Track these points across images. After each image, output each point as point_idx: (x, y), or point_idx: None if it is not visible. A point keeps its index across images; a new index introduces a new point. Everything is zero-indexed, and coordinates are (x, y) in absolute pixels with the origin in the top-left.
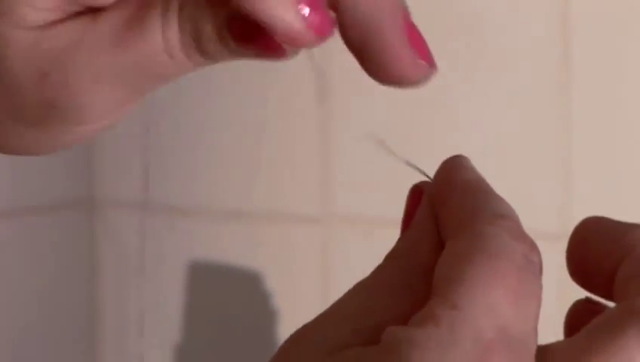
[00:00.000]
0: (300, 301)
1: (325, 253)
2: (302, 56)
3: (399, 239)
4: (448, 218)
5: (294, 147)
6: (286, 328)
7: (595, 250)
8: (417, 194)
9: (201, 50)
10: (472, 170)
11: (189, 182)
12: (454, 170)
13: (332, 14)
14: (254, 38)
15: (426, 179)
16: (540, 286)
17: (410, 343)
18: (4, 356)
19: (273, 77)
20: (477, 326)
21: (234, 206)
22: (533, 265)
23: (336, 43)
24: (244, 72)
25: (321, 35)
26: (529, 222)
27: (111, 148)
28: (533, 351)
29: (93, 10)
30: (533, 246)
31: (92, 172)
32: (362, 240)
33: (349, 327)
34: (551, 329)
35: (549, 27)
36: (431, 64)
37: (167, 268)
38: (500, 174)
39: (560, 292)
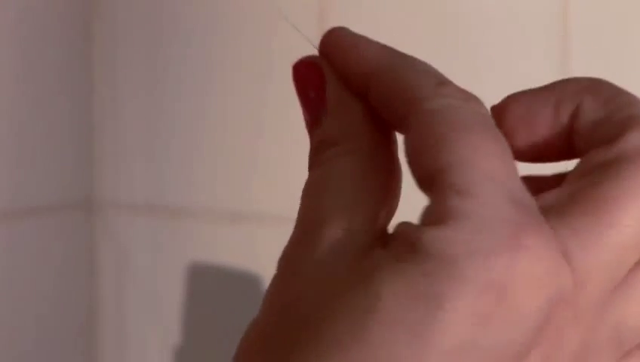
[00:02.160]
0: None
1: None
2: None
3: (323, 125)
4: (385, 99)
5: (293, 149)
6: None
7: (528, 103)
8: (314, 69)
9: None
10: (367, 40)
11: (188, 184)
12: (350, 46)
13: None
14: None
15: (314, 52)
16: None
17: (448, 242)
18: (4, 357)
19: (272, 80)
20: (495, 205)
21: (233, 208)
22: (491, 118)
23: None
24: (244, 74)
25: None
26: None
27: (110, 150)
28: (537, 208)
29: None
30: (477, 99)
31: (91, 173)
32: None
33: (340, 227)
34: None
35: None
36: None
37: (167, 270)
38: None
39: None
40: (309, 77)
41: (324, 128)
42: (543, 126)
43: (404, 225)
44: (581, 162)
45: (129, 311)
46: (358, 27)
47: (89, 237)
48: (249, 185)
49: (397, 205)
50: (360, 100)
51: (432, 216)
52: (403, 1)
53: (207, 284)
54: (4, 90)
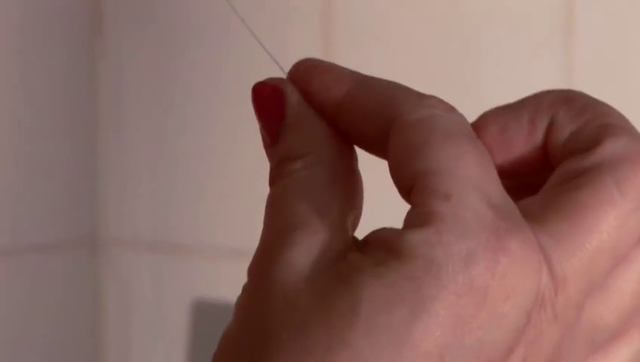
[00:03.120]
0: None
1: None
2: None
3: (284, 140)
4: (361, 117)
5: None
6: None
7: (503, 117)
8: (275, 90)
9: None
10: (340, 67)
11: (191, 221)
12: (323, 71)
13: None
14: None
15: (282, 75)
16: None
17: (429, 244)
18: None
19: None
20: (476, 208)
21: (237, 245)
22: (471, 128)
23: None
24: (249, 112)
25: None
26: None
27: (114, 187)
28: (518, 212)
29: None
30: (458, 112)
31: (96, 210)
32: None
33: (310, 233)
34: None
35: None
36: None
37: (171, 307)
38: None
39: None
40: (269, 97)
41: (285, 144)
42: (518, 142)
43: (381, 231)
44: (558, 171)
45: (134, 348)
46: (365, 34)
47: (93, 273)
48: (252, 222)
49: (360, 216)
50: (320, 116)
51: (414, 220)
52: (406, 14)
53: (212, 321)
54: (8, 126)
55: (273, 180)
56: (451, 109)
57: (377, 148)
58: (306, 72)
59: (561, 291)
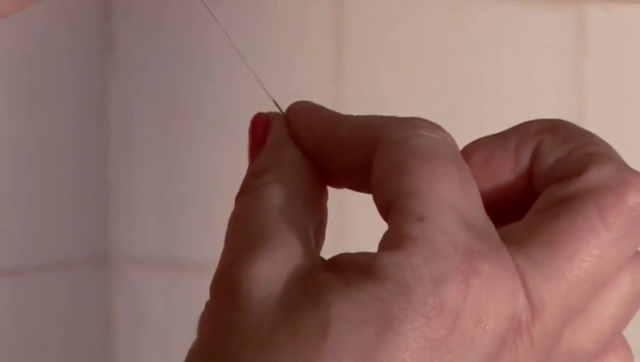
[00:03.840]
0: None
1: None
2: None
3: (256, 159)
4: (345, 145)
5: None
6: None
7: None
8: (265, 123)
9: None
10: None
11: (203, 239)
12: (313, 107)
13: None
14: None
15: (276, 110)
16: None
17: (400, 266)
18: None
19: None
20: (449, 231)
21: None
22: (457, 148)
23: None
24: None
25: None
26: None
27: (125, 205)
28: (497, 236)
29: None
30: (444, 131)
31: (107, 228)
32: None
33: (275, 249)
34: None
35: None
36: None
37: (183, 324)
38: None
39: None
40: (259, 125)
41: (257, 161)
42: (505, 170)
43: (350, 254)
44: (542, 197)
45: None
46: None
47: (104, 292)
48: None
49: (323, 241)
50: (296, 145)
51: (387, 242)
52: (416, 67)
53: None
54: (20, 145)
55: (238, 196)
56: (436, 128)
57: (361, 181)
58: (297, 112)
59: (538, 317)
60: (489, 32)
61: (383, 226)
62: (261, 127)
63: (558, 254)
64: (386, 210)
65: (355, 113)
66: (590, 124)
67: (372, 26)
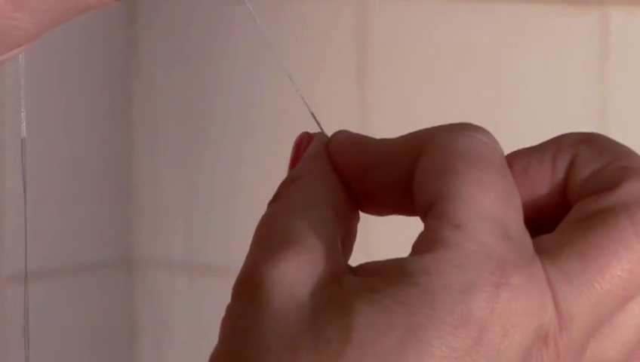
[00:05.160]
0: None
1: None
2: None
3: (292, 170)
4: (391, 159)
5: None
6: None
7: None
8: (308, 141)
9: None
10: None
11: (228, 242)
12: (356, 135)
13: None
14: None
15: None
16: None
17: (427, 272)
18: None
19: None
20: (484, 241)
21: None
22: (503, 156)
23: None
24: (283, 135)
25: None
26: None
27: (150, 208)
28: (531, 247)
29: None
30: (494, 138)
31: (131, 232)
32: None
33: (300, 253)
34: None
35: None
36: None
37: (206, 328)
38: None
39: None
40: (301, 143)
41: (291, 171)
42: (541, 181)
43: (377, 261)
44: (575, 209)
45: None
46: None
47: (128, 295)
48: None
49: (353, 244)
50: (335, 170)
51: (420, 245)
52: (438, 69)
53: None
54: (44, 150)
55: (269, 203)
56: (485, 133)
57: (401, 196)
58: (339, 144)
59: (566, 329)
60: (512, 35)
61: (406, 242)
62: (304, 145)
63: (590, 267)
64: (424, 211)
65: (377, 115)
66: (612, 124)
67: (395, 29)
